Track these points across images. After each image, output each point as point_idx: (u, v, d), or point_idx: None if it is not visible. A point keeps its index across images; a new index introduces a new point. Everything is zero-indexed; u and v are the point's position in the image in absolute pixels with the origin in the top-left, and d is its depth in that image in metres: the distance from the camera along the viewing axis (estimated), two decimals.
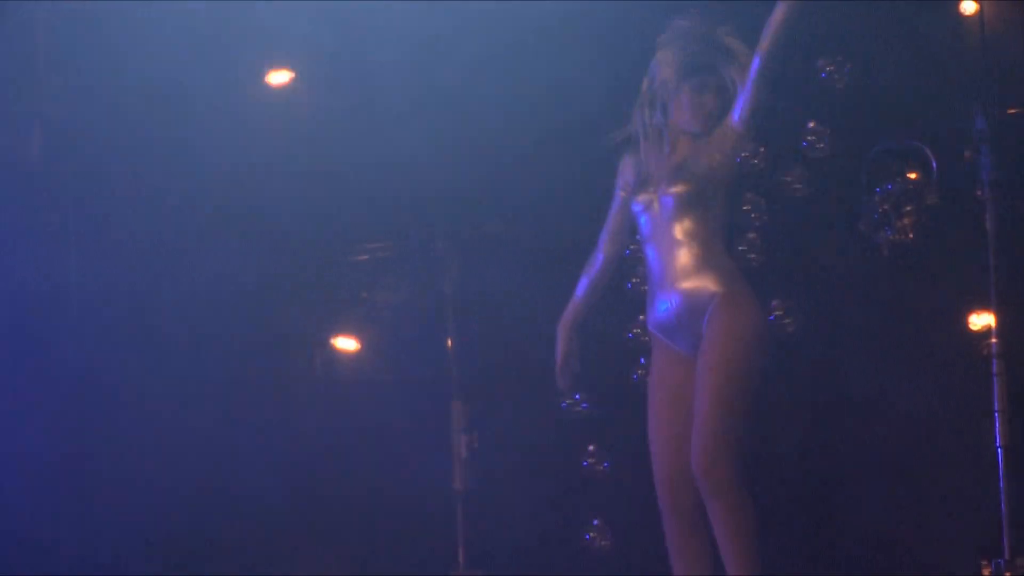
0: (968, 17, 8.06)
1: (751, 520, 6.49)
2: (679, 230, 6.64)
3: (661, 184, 6.68)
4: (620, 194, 6.86)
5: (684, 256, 6.64)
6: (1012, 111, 7.66)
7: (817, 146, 7.03)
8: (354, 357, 8.99)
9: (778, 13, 6.56)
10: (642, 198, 6.69)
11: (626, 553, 7.50)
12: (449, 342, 8.32)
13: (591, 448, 7.36)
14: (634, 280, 7.06)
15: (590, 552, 7.50)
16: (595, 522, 7.22)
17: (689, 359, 6.61)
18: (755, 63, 6.60)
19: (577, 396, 7.15)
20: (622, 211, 6.92)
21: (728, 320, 6.56)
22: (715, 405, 6.53)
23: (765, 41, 6.61)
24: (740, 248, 6.91)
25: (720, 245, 6.65)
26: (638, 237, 6.94)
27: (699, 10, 6.79)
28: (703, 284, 6.60)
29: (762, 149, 6.88)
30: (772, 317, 6.99)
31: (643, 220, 6.72)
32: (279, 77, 8.90)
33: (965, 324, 7.84)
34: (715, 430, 6.49)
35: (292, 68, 8.94)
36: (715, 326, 6.54)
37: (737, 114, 6.63)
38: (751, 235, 6.91)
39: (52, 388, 8.63)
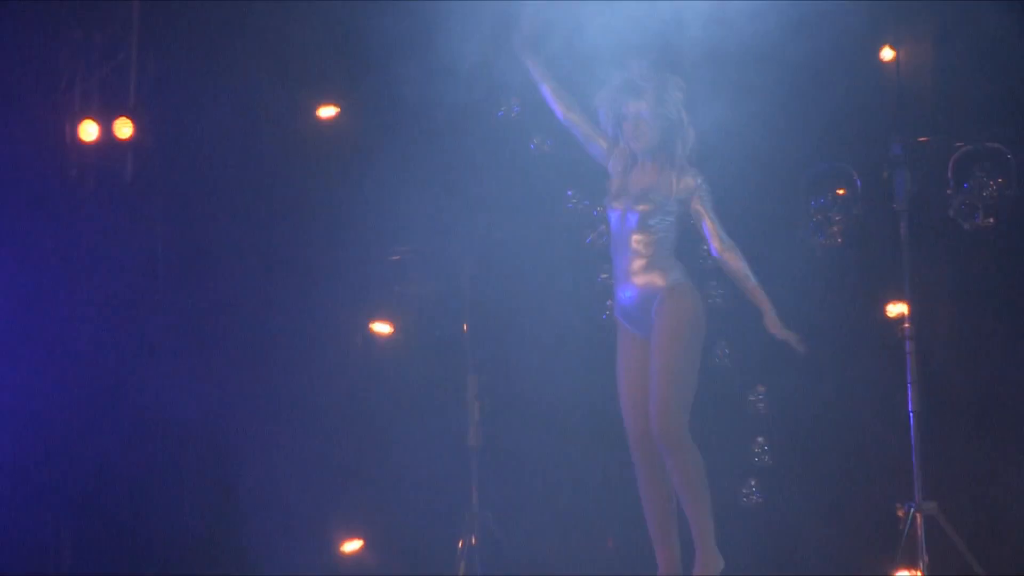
0: (886, 62, 8.23)
1: (700, 467, 6.68)
2: (639, 237, 6.77)
3: (632, 200, 6.78)
4: (601, 143, 6.95)
5: (641, 257, 6.76)
6: (922, 139, 7.81)
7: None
8: (388, 338, 9.03)
9: (751, 286, 6.69)
10: (616, 206, 6.82)
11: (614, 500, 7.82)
12: (465, 326, 8.45)
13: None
14: (603, 275, 7.35)
15: None
16: None
17: (645, 341, 6.80)
18: (712, 251, 6.72)
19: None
20: (594, 138, 6.96)
21: (672, 309, 6.71)
22: (665, 378, 6.70)
23: (728, 259, 6.68)
24: (706, 292, 7.18)
25: (669, 249, 6.82)
26: (608, 239, 7.01)
27: (630, 61, 6.89)
28: (652, 280, 6.73)
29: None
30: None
31: (614, 225, 6.85)
32: (327, 111, 9.01)
33: (883, 312, 8.03)
34: (665, 398, 6.66)
35: (338, 104, 9.03)
36: (662, 314, 6.72)
37: (695, 216, 6.71)
38: (712, 283, 7.23)
39: (139, 371, 8.67)
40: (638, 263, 6.83)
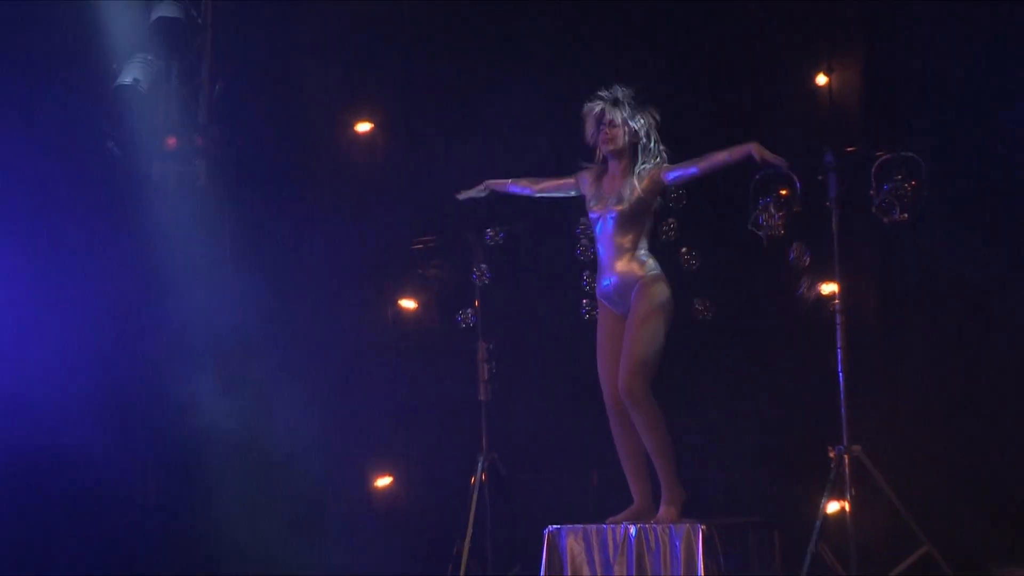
0: (821, 86, 8.47)
1: (660, 420, 7.05)
2: (618, 234, 7.14)
3: (608, 204, 7.13)
4: (570, 180, 7.31)
5: (621, 251, 7.16)
6: (850, 150, 7.80)
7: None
8: (413, 312, 9.34)
9: (725, 156, 7.05)
10: (595, 211, 7.20)
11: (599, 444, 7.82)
12: (476, 302, 8.56)
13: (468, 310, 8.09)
14: (586, 276, 7.59)
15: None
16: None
17: (620, 317, 7.17)
18: (694, 170, 7.03)
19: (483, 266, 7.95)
20: (561, 185, 7.36)
21: (648, 294, 7.09)
22: (635, 349, 7.04)
23: (707, 164, 7.06)
24: (683, 254, 7.39)
25: (644, 243, 7.17)
26: (593, 237, 7.28)
27: (615, 86, 7.22)
28: (631, 269, 7.13)
29: (681, 191, 7.32)
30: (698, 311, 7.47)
31: (597, 226, 7.21)
32: (364, 127, 9.34)
33: (817, 290, 8.00)
34: (634, 365, 7.02)
35: (372, 120, 9.35)
36: (638, 299, 7.09)
37: (670, 178, 7.09)
38: (684, 249, 7.48)
39: (210, 332, 8.76)
40: (618, 256, 7.17)
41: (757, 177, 7.86)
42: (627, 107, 7.16)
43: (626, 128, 7.15)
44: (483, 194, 7.57)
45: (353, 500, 9.10)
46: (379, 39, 9.20)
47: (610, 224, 7.19)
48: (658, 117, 7.23)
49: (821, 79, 8.48)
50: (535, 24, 8.95)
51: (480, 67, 9.07)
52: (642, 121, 7.17)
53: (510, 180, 7.51)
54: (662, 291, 7.14)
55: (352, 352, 9.21)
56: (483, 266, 8.26)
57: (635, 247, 7.18)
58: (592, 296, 7.47)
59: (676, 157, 7.34)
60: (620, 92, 7.21)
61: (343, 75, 9.26)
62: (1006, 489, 8.03)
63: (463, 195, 7.60)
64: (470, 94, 9.07)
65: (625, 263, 7.16)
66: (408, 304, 9.37)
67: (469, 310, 8.38)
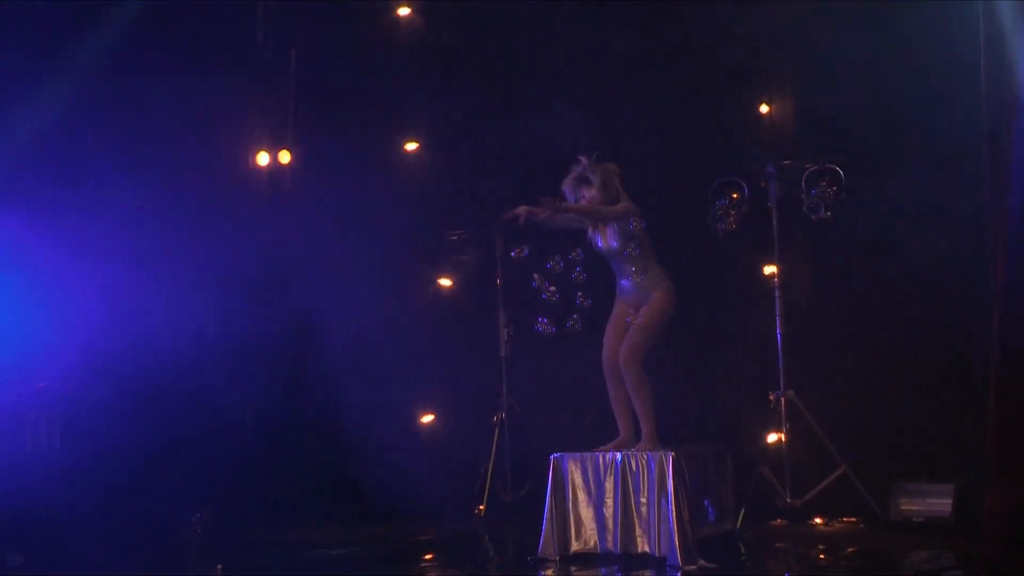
0: (764, 113, 8.87)
1: (646, 384, 7.37)
2: (626, 264, 7.39)
3: (607, 243, 7.41)
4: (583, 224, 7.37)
5: (633, 271, 7.40)
6: (786, 162, 8.35)
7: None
8: (448, 289, 9.92)
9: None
10: (602, 248, 7.44)
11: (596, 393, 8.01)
12: (498, 280, 9.24)
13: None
14: (579, 296, 7.63)
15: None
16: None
17: (628, 305, 7.44)
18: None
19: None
20: (571, 221, 7.36)
21: (656, 302, 7.37)
22: (637, 335, 7.38)
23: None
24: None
25: (652, 259, 7.38)
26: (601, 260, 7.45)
27: (580, 159, 7.30)
28: (643, 284, 7.36)
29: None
30: None
31: (608, 258, 7.44)
32: (411, 145, 9.94)
33: (761, 271, 8.65)
34: (633, 347, 7.36)
35: (417, 139, 9.93)
36: (649, 304, 7.36)
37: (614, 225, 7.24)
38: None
39: (296, 303, 9.21)
40: (630, 274, 7.40)
41: (715, 183, 8.51)
42: (593, 175, 7.22)
43: (596, 193, 7.28)
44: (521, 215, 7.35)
45: (404, 432, 9.55)
46: (427, 76, 9.69)
47: (616, 258, 7.46)
48: (619, 170, 7.36)
49: (763, 108, 8.95)
50: (547, 64, 9.39)
51: (503, 100, 9.50)
52: (611, 185, 7.27)
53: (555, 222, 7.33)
54: (668, 299, 7.37)
55: (401, 319, 9.64)
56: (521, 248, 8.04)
57: (644, 266, 7.39)
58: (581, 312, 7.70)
59: (648, 174, 7.81)
60: (583, 166, 7.22)
61: (397, 105, 9.75)
62: (906, 424, 8.44)
63: (511, 214, 7.33)
64: (498, 120, 9.48)
65: (637, 278, 7.37)
66: (445, 282, 9.90)
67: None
